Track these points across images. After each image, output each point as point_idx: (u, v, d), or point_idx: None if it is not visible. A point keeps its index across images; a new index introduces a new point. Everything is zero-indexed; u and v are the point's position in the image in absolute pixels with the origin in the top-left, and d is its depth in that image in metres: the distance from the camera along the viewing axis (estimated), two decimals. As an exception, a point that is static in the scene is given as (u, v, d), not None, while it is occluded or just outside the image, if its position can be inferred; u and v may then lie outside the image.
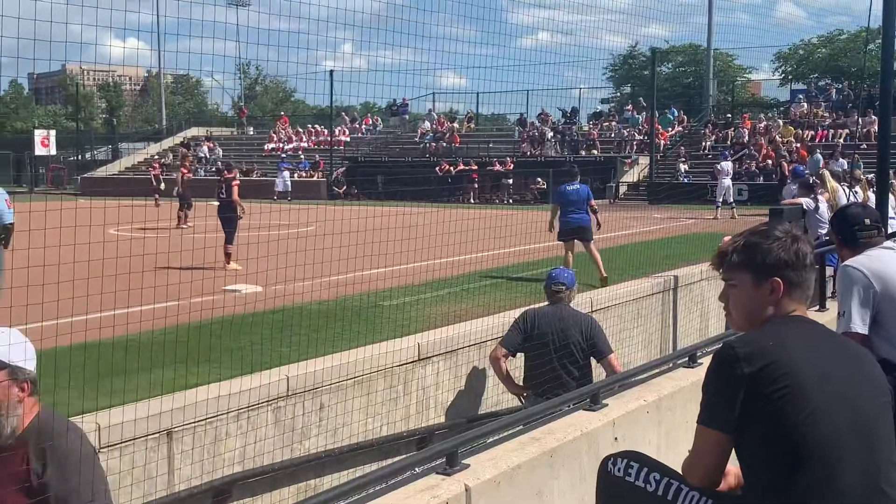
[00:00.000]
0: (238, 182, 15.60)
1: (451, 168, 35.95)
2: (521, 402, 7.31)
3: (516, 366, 7.49)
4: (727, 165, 27.01)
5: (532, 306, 7.66)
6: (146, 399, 5.58)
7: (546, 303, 7.48)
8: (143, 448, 5.31)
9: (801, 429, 2.35)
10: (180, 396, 5.67)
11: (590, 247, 12.93)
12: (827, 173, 13.75)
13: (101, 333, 6.50)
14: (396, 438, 6.91)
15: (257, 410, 6.00)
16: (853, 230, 4.50)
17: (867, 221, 4.53)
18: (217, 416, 5.73)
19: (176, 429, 5.50)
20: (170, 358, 6.74)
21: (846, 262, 4.32)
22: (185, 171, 24.74)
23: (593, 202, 13.36)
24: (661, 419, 4.67)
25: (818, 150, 29.52)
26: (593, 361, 7.26)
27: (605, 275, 12.33)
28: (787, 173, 23.83)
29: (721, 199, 25.96)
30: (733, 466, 2.57)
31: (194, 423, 5.61)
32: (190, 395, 5.67)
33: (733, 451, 2.50)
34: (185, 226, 22.22)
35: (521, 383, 7.37)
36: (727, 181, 26.47)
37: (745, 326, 2.69)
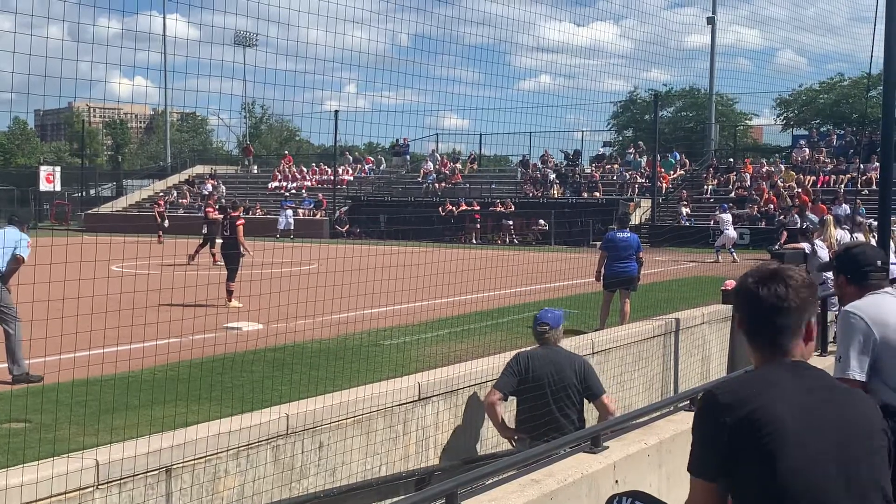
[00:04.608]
0: (243, 221, 15.69)
1: (454, 208, 36.07)
2: (513, 445, 7.20)
3: (508, 409, 7.40)
4: (727, 217, 27.05)
5: (524, 349, 7.57)
6: (146, 436, 5.57)
7: (537, 345, 7.42)
8: (143, 485, 5.28)
9: (786, 474, 2.34)
10: (180, 434, 5.66)
11: (627, 299, 12.43)
12: (830, 219, 13.82)
13: (103, 370, 6.51)
14: (395, 479, 6.86)
15: (256, 449, 5.98)
16: (865, 271, 4.33)
17: (879, 263, 4.38)
18: (216, 453, 5.70)
19: (175, 466, 5.48)
20: (170, 395, 6.73)
21: (847, 308, 4.24)
22: (211, 210, 24.11)
23: (642, 253, 12.82)
24: (662, 462, 4.66)
25: (809, 206, 29.58)
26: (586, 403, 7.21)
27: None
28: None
29: (721, 245, 26.14)
30: None
31: (193, 460, 5.58)
32: (189, 433, 5.65)
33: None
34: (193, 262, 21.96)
35: (513, 426, 7.26)
36: (731, 232, 26.53)
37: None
